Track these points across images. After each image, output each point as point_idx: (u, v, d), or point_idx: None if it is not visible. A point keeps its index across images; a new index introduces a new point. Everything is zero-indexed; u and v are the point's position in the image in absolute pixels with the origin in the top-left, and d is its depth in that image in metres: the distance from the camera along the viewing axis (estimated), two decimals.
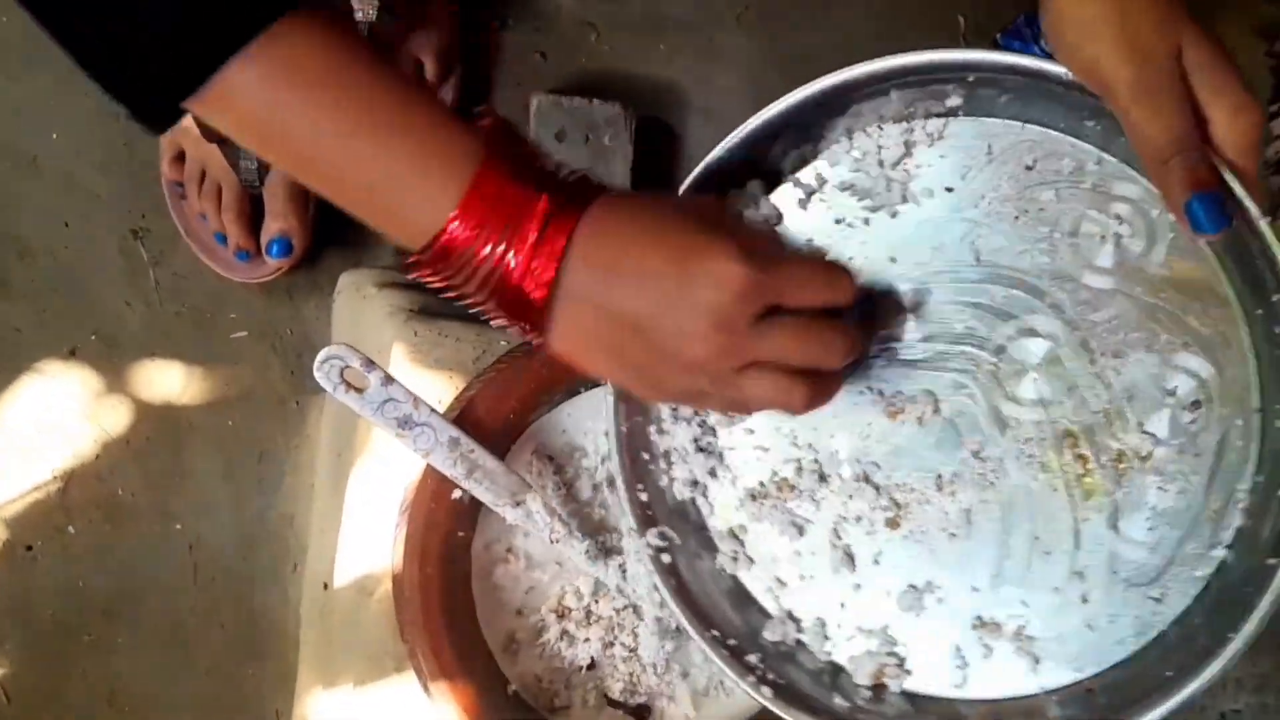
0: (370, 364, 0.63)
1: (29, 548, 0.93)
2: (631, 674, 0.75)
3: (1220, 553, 0.57)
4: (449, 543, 0.70)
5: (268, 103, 0.48)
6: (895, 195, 0.61)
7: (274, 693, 0.92)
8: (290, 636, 0.92)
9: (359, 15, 0.87)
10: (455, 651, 0.69)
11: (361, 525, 0.81)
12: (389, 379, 0.64)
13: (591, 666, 0.75)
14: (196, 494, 0.94)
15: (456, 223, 0.49)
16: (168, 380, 0.95)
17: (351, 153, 0.49)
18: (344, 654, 0.80)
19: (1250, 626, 0.53)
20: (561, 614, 0.73)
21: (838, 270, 0.56)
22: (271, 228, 0.91)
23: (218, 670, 0.93)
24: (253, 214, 0.92)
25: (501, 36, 0.99)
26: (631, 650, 0.74)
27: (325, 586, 0.84)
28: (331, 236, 0.95)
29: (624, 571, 0.73)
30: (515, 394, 0.71)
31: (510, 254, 0.49)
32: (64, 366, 0.94)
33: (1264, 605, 0.53)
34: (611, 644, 0.74)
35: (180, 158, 0.92)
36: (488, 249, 0.49)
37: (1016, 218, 0.59)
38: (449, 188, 0.49)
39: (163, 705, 0.93)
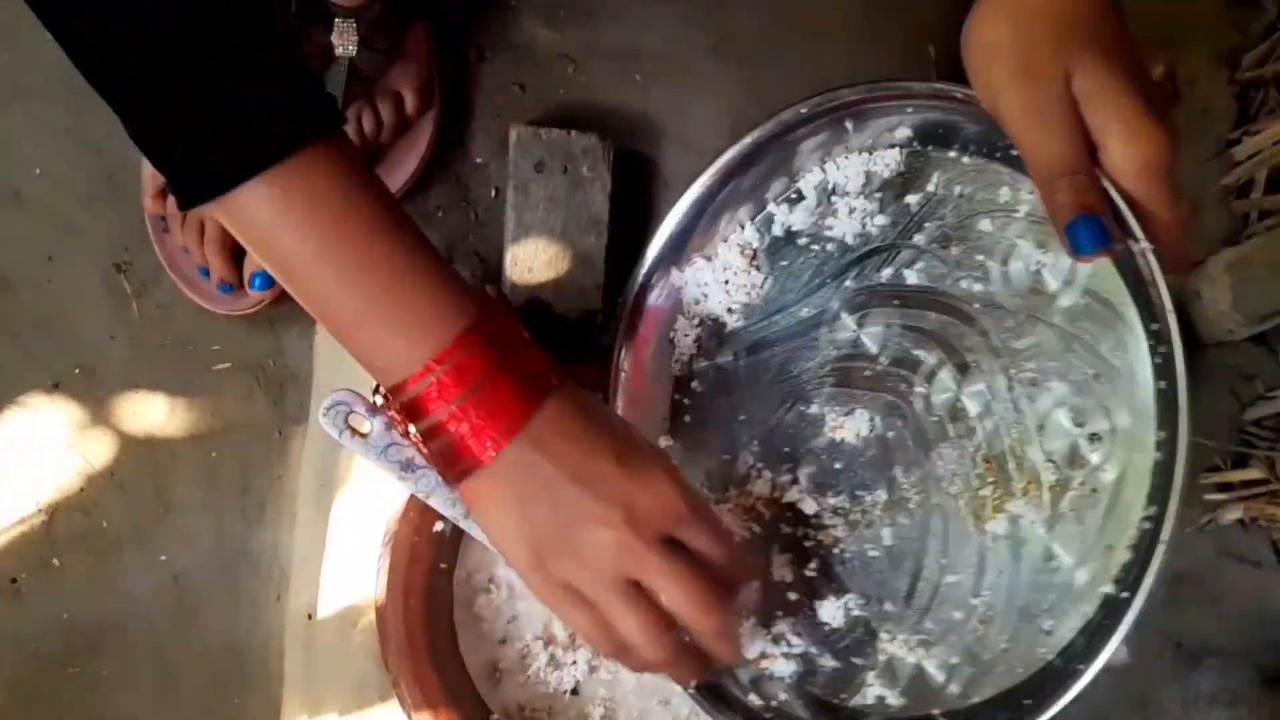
0: (374, 409, 0.64)
1: (14, 580, 0.93)
2: (613, 698, 0.76)
3: (1108, 588, 0.57)
4: (431, 574, 0.72)
5: (274, 222, 0.51)
6: (854, 223, 0.63)
7: None
8: (274, 668, 0.92)
9: (339, 50, 0.89)
10: (438, 680, 0.70)
11: (345, 556, 0.82)
12: (392, 423, 0.65)
13: (575, 692, 0.76)
14: (180, 525, 0.94)
15: (424, 380, 0.52)
16: (151, 412, 0.95)
17: (342, 285, 0.52)
18: (328, 684, 0.81)
19: (1098, 660, 0.53)
20: (548, 640, 0.74)
21: (744, 557, 0.57)
22: (255, 261, 0.92)
23: (202, 702, 0.93)
24: (235, 247, 0.93)
25: (480, 69, 1.00)
26: (614, 674, 0.76)
27: (309, 617, 0.85)
28: None
29: None
30: None
31: (468, 420, 0.52)
32: (47, 400, 0.95)
33: (1116, 637, 0.53)
34: (596, 668, 0.75)
35: (164, 192, 0.93)
36: (444, 413, 0.52)
37: (955, 245, 0.60)
38: (424, 346, 0.52)
39: None
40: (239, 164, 0.50)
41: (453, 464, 0.54)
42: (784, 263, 0.65)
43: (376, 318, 0.52)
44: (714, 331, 0.68)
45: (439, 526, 0.71)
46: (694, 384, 0.70)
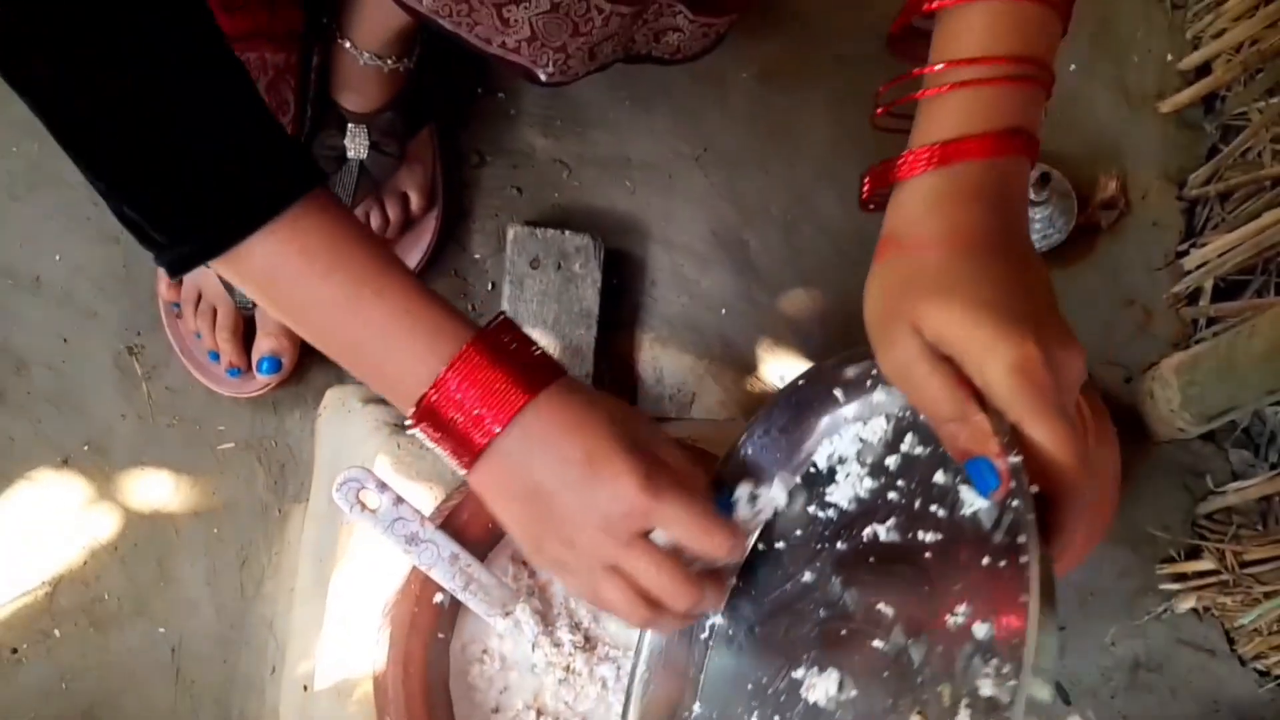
0: (383, 486, 0.69)
1: (14, 650, 0.96)
2: None
3: None
4: (430, 644, 0.75)
5: (277, 269, 0.56)
6: (849, 489, 0.66)
7: None
8: None
9: (351, 154, 0.95)
10: None
11: (342, 630, 0.85)
12: (399, 499, 0.70)
13: None
14: (180, 598, 0.98)
15: (436, 392, 0.57)
16: (156, 489, 0.99)
17: (345, 316, 0.57)
18: None
19: None
20: (539, 709, 0.77)
21: (719, 525, 0.61)
22: (263, 346, 0.97)
23: None
24: (245, 332, 0.98)
25: (480, 172, 1.07)
26: None
27: (305, 689, 0.88)
28: (316, 352, 1.01)
29: (603, 683, 0.78)
30: None
31: (468, 410, 0.58)
32: (56, 475, 0.99)
33: None
34: None
35: (178, 280, 0.98)
36: (458, 413, 0.58)
37: (919, 499, 0.62)
38: (435, 359, 0.57)
39: None
40: (245, 218, 0.54)
41: (458, 454, 0.60)
42: (798, 533, 0.68)
43: (382, 338, 0.57)
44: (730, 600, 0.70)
45: (438, 598, 0.75)
46: (709, 654, 0.71)
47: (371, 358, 0.59)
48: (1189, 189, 1.12)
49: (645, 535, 0.60)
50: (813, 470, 0.68)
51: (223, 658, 0.97)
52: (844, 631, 0.61)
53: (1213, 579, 1.03)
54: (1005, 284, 0.52)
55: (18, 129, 1.03)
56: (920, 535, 0.59)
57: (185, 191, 0.54)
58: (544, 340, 0.99)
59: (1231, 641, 1.05)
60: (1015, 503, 0.51)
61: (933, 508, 0.59)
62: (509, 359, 0.58)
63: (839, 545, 0.64)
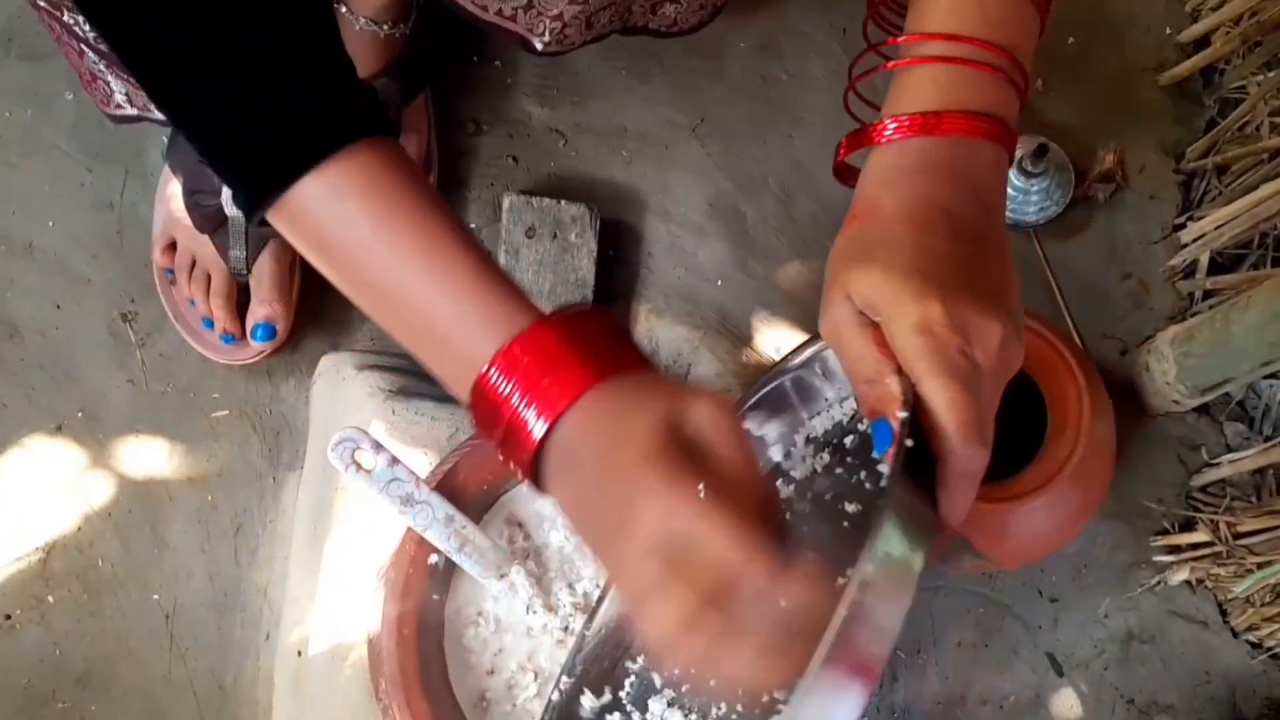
0: (379, 447, 0.69)
1: (8, 616, 0.95)
2: None
3: None
4: (425, 607, 0.75)
5: (334, 215, 0.52)
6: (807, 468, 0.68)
7: None
8: (262, 704, 0.95)
9: None
10: (430, 709, 0.73)
11: (336, 595, 0.86)
12: (394, 460, 0.70)
13: None
14: (174, 565, 0.98)
15: (495, 369, 0.51)
16: (150, 456, 0.99)
17: (405, 274, 0.52)
18: (317, 717, 0.84)
19: None
20: (536, 671, 0.77)
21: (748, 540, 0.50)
22: (257, 313, 0.96)
23: None
24: (239, 300, 0.98)
25: (476, 141, 1.06)
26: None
27: (299, 654, 0.88)
28: (311, 319, 1.01)
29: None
30: (490, 467, 0.77)
31: (525, 407, 0.50)
32: (50, 442, 0.99)
33: None
34: None
35: (172, 246, 0.98)
36: (515, 399, 0.50)
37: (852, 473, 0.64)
38: (496, 335, 0.51)
39: None
40: (299, 156, 0.51)
41: (513, 454, 0.52)
42: None
43: (446, 301, 0.52)
44: None
45: (433, 560, 0.75)
46: None
47: (441, 325, 0.53)
48: (1186, 162, 1.12)
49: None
50: (791, 449, 0.69)
51: (216, 624, 0.97)
52: None
53: (1206, 551, 1.04)
54: (940, 256, 0.52)
55: (11, 95, 1.03)
56: (845, 507, 0.61)
57: (256, 123, 0.52)
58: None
59: (1224, 613, 1.06)
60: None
61: (864, 478, 0.61)
62: (580, 340, 0.51)
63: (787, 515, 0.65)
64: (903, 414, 0.49)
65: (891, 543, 0.47)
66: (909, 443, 0.48)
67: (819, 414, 0.68)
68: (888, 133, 0.55)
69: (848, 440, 0.65)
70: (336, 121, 0.53)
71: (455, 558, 0.72)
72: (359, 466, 0.68)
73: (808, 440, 0.67)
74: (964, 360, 0.50)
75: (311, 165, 0.52)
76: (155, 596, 0.97)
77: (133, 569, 0.97)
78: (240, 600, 0.97)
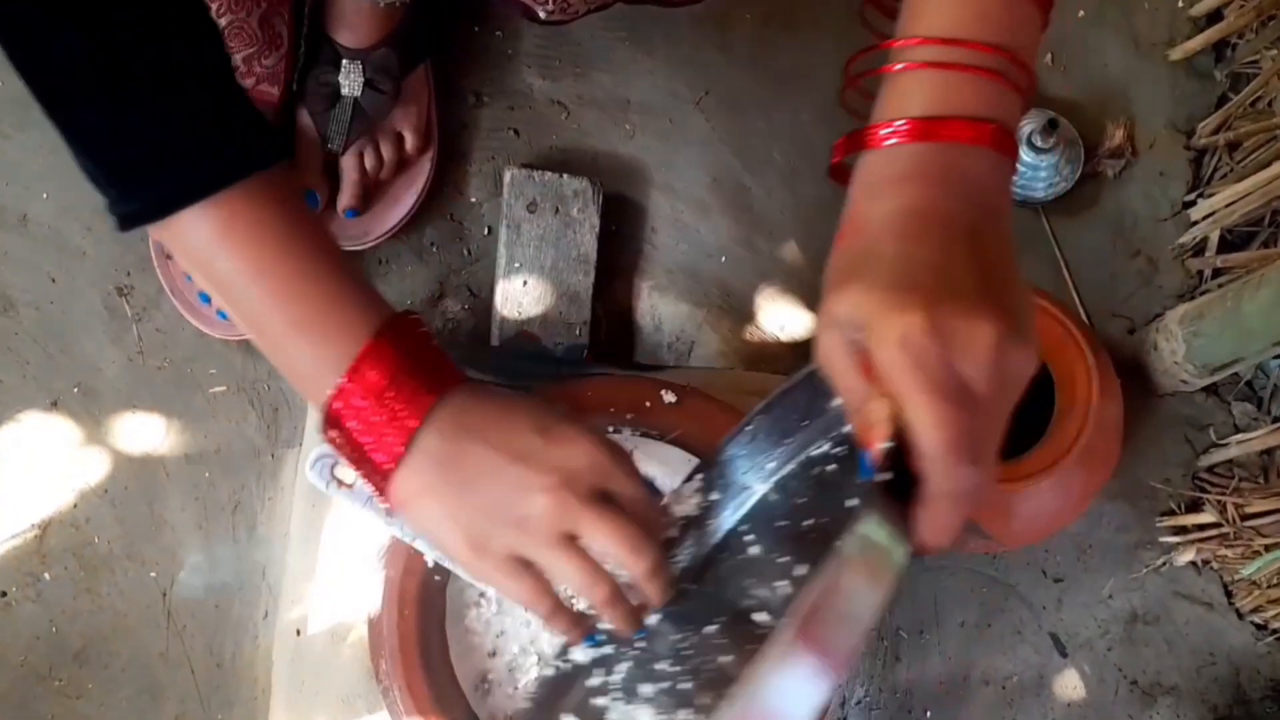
0: None
1: (3, 594, 0.95)
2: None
3: None
4: (426, 587, 0.74)
5: (208, 247, 0.56)
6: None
7: None
8: (260, 683, 0.94)
9: (345, 91, 0.93)
10: (430, 689, 0.72)
11: (336, 574, 0.85)
12: None
13: None
14: (171, 543, 0.97)
15: (338, 393, 0.57)
16: (147, 432, 0.98)
17: (271, 308, 0.57)
18: (315, 698, 0.83)
19: None
20: (540, 655, 0.77)
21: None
22: None
23: (186, 716, 0.95)
24: None
25: (477, 113, 1.04)
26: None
27: (298, 633, 0.87)
28: None
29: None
30: None
31: (373, 425, 0.58)
32: (45, 418, 0.97)
33: None
34: None
35: None
36: (353, 422, 0.58)
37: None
38: (335, 361, 0.57)
39: None
40: (184, 189, 0.54)
41: (372, 472, 0.59)
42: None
43: (296, 338, 0.57)
44: None
45: None
46: None
47: (286, 358, 0.59)
48: (1198, 138, 1.10)
49: (600, 498, 0.60)
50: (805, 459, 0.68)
51: (214, 602, 0.96)
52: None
53: (1213, 532, 1.03)
54: (927, 265, 0.48)
55: (4, 66, 1.01)
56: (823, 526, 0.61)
57: (138, 148, 0.54)
58: (541, 286, 0.98)
59: (1229, 595, 1.05)
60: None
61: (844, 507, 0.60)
62: (415, 362, 0.59)
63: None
64: (884, 444, 0.46)
65: (871, 528, 0.46)
66: (888, 475, 0.46)
67: (805, 440, 0.67)
68: (884, 136, 0.52)
69: (829, 469, 0.64)
70: (227, 155, 0.55)
71: (447, 565, 0.71)
72: (340, 482, 0.67)
73: (792, 464, 0.67)
74: (947, 372, 0.46)
75: (198, 199, 0.54)
76: (152, 574, 0.96)
77: (129, 546, 0.96)
78: (239, 578, 0.96)
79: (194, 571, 0.96)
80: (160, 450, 0.98)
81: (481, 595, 0.77)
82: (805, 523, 0.63)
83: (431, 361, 0.60)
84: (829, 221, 0.54)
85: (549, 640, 0.77)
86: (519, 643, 0.77)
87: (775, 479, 0.67)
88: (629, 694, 0.60)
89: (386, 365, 0.57)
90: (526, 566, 0.60)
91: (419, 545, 0.70)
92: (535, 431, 0.59)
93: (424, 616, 0.74)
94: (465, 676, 0.76)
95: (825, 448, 0.66)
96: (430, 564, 0.73)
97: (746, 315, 1.05)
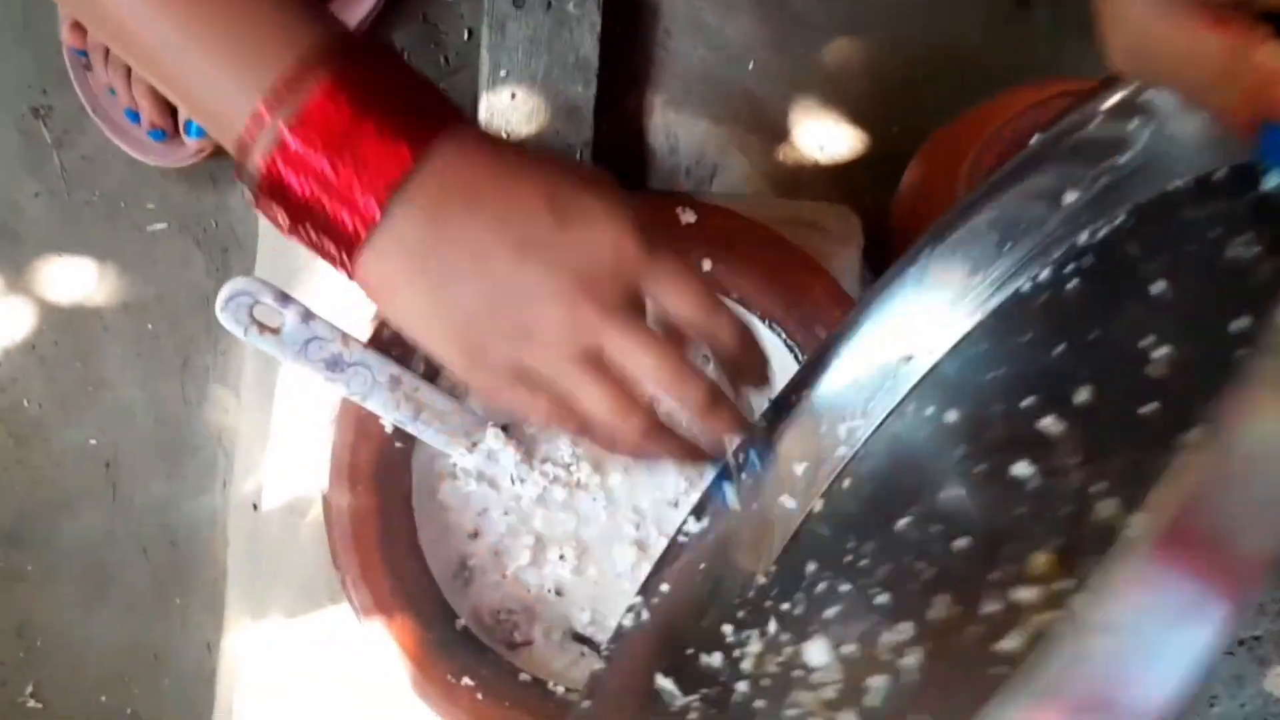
0: (285, 298, 0.53)
1: None
2: (604, 598, 0.67)
3: None
4: (384, 456, 0.62)
5: None
6: None
7: (204, 624, 0.85)
8: (220, 564, 0.84)
9: None
10: (391, 580, 0.60)
11: (292, 439, 0.72)
12: (309, 314, 0.54)
13: (559, 593, 0.67)
14: (113, 405, 0.85)
15: (264, 132, 0.41)
16: (77, 278, 0.86)
17: (168, 28, 0.41)
18: (274, 582, 0.72)
19: None
20: (537, 537, 0.64)
21: (729, 314, 0.46)
22: None
23: (139, 600, 0.85)
24: None
25: None
26: (604, 571, 0.67)
27: (254, 508, 0.76)
28: None
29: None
30: None
31: (331, 179, 0.41)
32: None
33: None
34: (584, 567, 0.66)
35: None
36: (300, 176, 0.41)
37: None
38: (253, 78, 0.41)
39: (79, 639, 0.85)
40: None
41: (335, 245, 0.43)
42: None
43: (202, 51, 0.41)
44: None
45: None
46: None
47: (197, 98, 0.43)
48: None
49: (629, 309, 0.44)
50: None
51: (165, 472, 0.85)
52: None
53: None
54: None
55: None
56: None
57: None
58: (532, 99, 0.83)
59: None
60: None
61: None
62: (381, 95, 0.42)
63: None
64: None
65: None
66: None
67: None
68: None
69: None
70: None
71: (410, 428, 0.58)
72: (262, 327, 0.53)
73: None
74: None
75: None
76: (92, 441, 0.85)
77: (65, 410, 0.85)
78: (191, 444, 0.85)
79: (141, 438, 0.85)
80: (94, 299, 0.86)
81: (455, 464, 0.64)
82: (1090, 335, 0.47)
83: (410, 88, 0.43)
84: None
85: (543, 521, 0.64)
86: (507, 522, 0.65)
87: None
88: (794, 623, 0.46)
89: (347, 92, 0.41)
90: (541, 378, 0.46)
91: (372, 405, 0.56)
92: (547, 208, 0.43)
93: (383, 493, 0.61)
94: (440, 564, 0.63)
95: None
96: (389, 428, 0.60)
97: (779, 133, 0.91)
